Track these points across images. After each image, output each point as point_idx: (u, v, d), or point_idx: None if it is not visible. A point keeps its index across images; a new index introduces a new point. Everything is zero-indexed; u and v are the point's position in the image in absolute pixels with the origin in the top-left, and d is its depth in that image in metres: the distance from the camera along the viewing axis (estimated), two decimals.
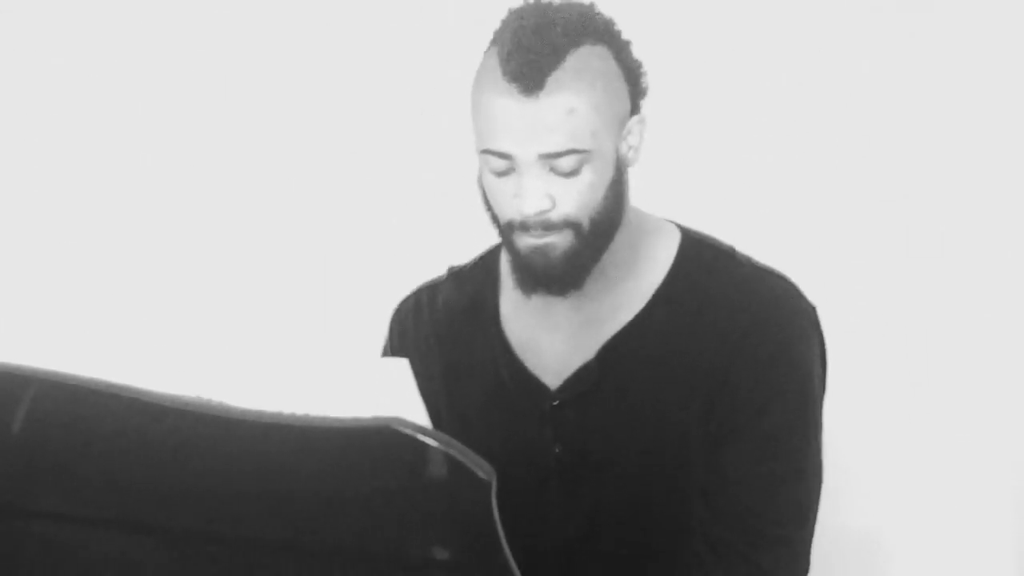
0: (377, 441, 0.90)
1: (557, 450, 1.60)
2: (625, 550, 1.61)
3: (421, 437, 0.89)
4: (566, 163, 1.46)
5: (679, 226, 1.62)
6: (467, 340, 1.66)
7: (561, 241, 1.49)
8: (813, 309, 1.60)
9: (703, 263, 1.59)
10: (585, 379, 1.59)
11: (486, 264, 1.68)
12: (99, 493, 1.02)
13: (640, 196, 1.59)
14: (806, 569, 1.60)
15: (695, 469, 1.57)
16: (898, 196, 2.23)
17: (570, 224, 1.48)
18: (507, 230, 1.52)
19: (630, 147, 1.53)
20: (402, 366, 1.16)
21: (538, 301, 1.58)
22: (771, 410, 1.55)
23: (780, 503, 1.56)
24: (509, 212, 1.50)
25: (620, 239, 1.55)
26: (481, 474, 0.89)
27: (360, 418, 0.90)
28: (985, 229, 2.23)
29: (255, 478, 0.97)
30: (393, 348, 1.72)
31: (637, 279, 1.59)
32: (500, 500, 1.63)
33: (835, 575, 2.17)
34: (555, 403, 1.60)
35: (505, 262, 1.62)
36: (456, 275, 1.71)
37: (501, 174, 1.49)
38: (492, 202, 1.52)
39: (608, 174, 1.50)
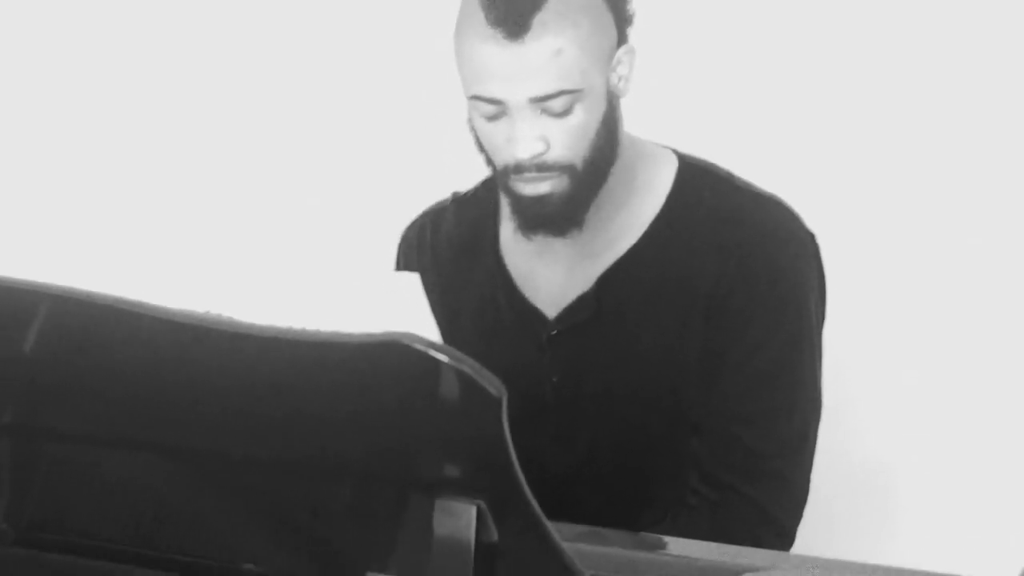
0: (387, 356, 0.89)
1: (554, 379, 1.59)
2: (623, 481, 1.60)
3: (432, 352, 0.87)
4: (557, 104, 1.45)
5: (676, 152, 1.61)
6: (467, 267, 1.65)
7: (557, 187, 1.48)
8: (812, 237, 1.59)
9: (701, 190, 1.58)
10: (583, 309, 1.58)
11: (487, 191, 1.67)
12: (111, 412, 1.01)
13: (636, 123, 1.58)
14: (803, 500, 1.60)
15: (692, 400, 1.56)
16: (905, 118, 2.16)
17: (564, 168, 1.48)
18: (503, 174, 1.51)
19: (620, 78, 1.51)
20: (412, 281, 1.15)
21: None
22: (767, 341, 1.54)
23: (775, 436, 1.56)
24: (504, 157, 1.49)
25: (616, 170, 1.54)
26: (492, 390, 0.88)
27: (371, 333, 0.89)
28: (992, 150, 2.15)
29: (265, 395, 0.95)
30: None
31: (634, 208, 1.57)
32: None
33: (842, 506, 2.18)
34: (553, 333, 1.59)
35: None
36: (458, 202, 1.70)
37: (492, 118, 1.48)
38: (486, 146, 1.52)
39: (600, 110, 1.49)
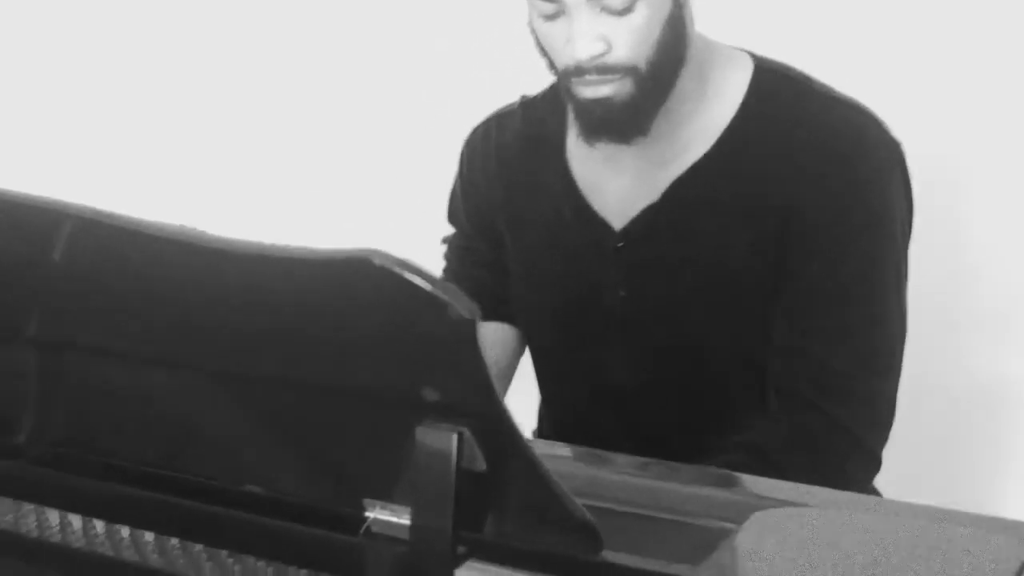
0: (355, 273, 0.84)
1: (622, 293, 1.53)
2: (693, 399, 1.54)
3: (399, 271, 0.82)
4: (617, 1, 1.37)
5: (752, 55, 1.51)
6: (532, 173, 1.59)
7: (620, 90, 1.40)
8: (897, 145, 1.49)
9: (777, 95, 1.48)
10: (650, 220, 1.51)
11: (556, 95, 1.59)
12: (105, 325, 0.99)
13: (708, 23, 1.48)
14: (888, 420, 1.50)
15: (767, 315, 1.48)
16: (992, 28, 2.03)
17: (627, 70, 1.40)
18: (564, 77, 1.44)
19: None
20: None
21: None
22: (846, 254, 1.45)
23: (854, 354, 1.46)
24: (563, 59, 1.42)
25: (686, 74, 1.45)
26: (464, 312, 0.82)
27: (339, 249, 0.84)
28: None
29: (244, 310, 0.92)
30: (462, 177, 1.66)
31: (706, 114, 1.49)
32: (563, 343, 1.58)
33: (947, 429, 2.08)
34: (620, 245, 1.52)
35: None
36: (526, 105, 1.63)
37: (550, 18, 1.41)
38: (546, 48, 1.45)
39: (665, 8, 1.40)
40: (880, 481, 1.55)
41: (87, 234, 0.95)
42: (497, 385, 0.87)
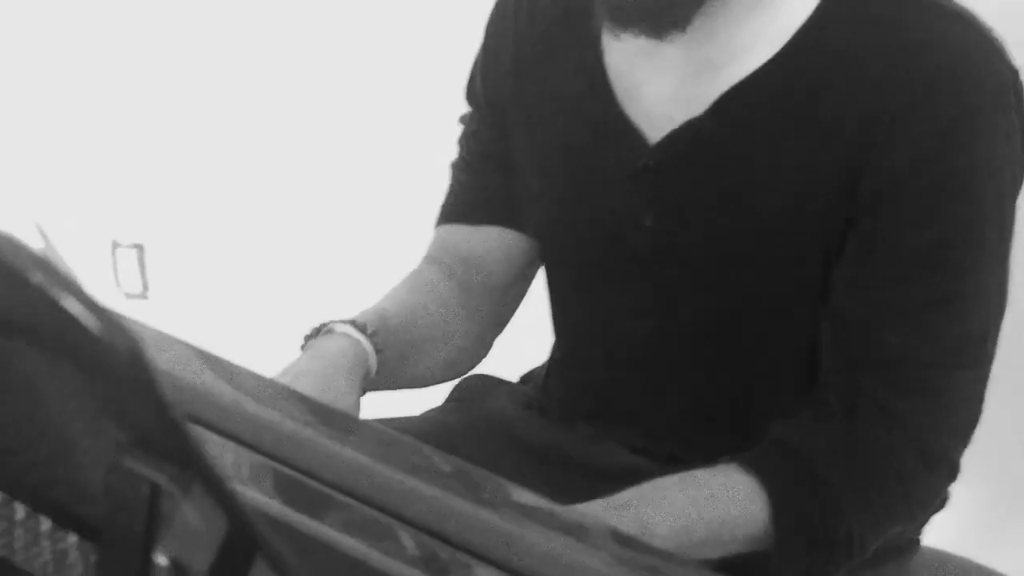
0: None
1: (647, 224, 1.24)
2: (721, 369, 1.26)
3: (23, 271, 0.57)
4: None
5: None
6: (560, 58, 1.30)
7: None
8: (1015, 74, 1.15)
9: None
10: (691, 137, 1.20)
11: None
12: None
13: None
14: (971, 423, 1.18)
15: (824, 276, 1.18)
16: None
17: None
18: None
19: None
20: None
21: None
22: (933, 212, 1.13)
23: (931, 337, 1.15)
24: None
25: None
26: (121, 348, 0.57)
27: None
28: None
29: None
30: (485, 44, 1.38)
31: (772, 13, 1.17)
32: (575, 282, 1.31)
33: None
34: (650, 163, 1.23)
35: None
36: None
37: None
38: None
39: None
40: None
41: None
42: (194, 429, 0.62)
